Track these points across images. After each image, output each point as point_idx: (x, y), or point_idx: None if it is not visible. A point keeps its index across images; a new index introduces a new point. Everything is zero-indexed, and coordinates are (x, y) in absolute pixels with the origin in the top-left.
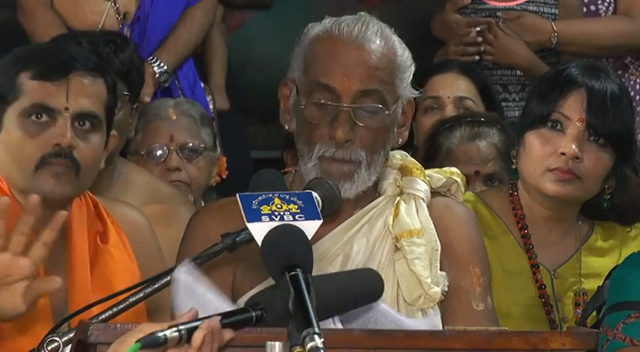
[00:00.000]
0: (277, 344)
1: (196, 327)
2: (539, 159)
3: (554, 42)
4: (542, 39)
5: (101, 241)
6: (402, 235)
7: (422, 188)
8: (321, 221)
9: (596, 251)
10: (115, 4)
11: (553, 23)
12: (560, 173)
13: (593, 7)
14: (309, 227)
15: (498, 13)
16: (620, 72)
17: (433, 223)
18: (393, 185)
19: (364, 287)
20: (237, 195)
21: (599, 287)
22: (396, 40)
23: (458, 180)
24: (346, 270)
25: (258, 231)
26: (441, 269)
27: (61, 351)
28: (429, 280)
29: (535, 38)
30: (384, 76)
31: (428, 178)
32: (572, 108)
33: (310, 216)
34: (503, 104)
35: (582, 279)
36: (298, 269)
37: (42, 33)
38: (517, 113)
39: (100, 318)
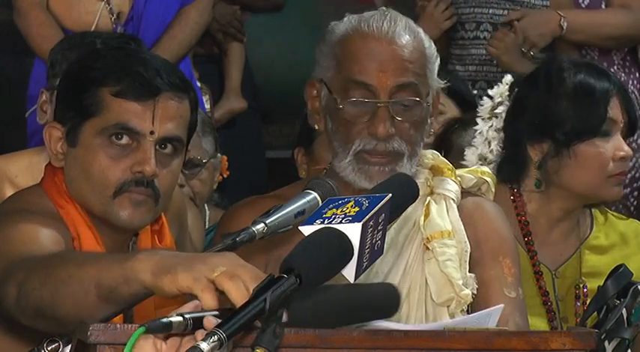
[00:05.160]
0: None
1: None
2: (600, 167)
3: (564, 27)
4: (553, 28)
5: (159, 240)
6: (433, 236)
7: (452, 188)
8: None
9: (596, 249)
10: (109, 4)
11: (556, 11)
12: (623, 176)
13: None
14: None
15: (501, 20)
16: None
17: (463, 222)
18: (424, 185)
19: (379, 301)
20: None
21: (599, 287)
22: (421, 32)
23: (488, 179)
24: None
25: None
26: (471, 264)
27: (61, 351)
28: (460, 282)
29: (548, 29)
30: (417, 68)
31: (459, 178)
32: (615, 112)
33: (354, 219)
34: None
35: (583, 278)
36: (285, 275)
37: (35, 33)
38: None
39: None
